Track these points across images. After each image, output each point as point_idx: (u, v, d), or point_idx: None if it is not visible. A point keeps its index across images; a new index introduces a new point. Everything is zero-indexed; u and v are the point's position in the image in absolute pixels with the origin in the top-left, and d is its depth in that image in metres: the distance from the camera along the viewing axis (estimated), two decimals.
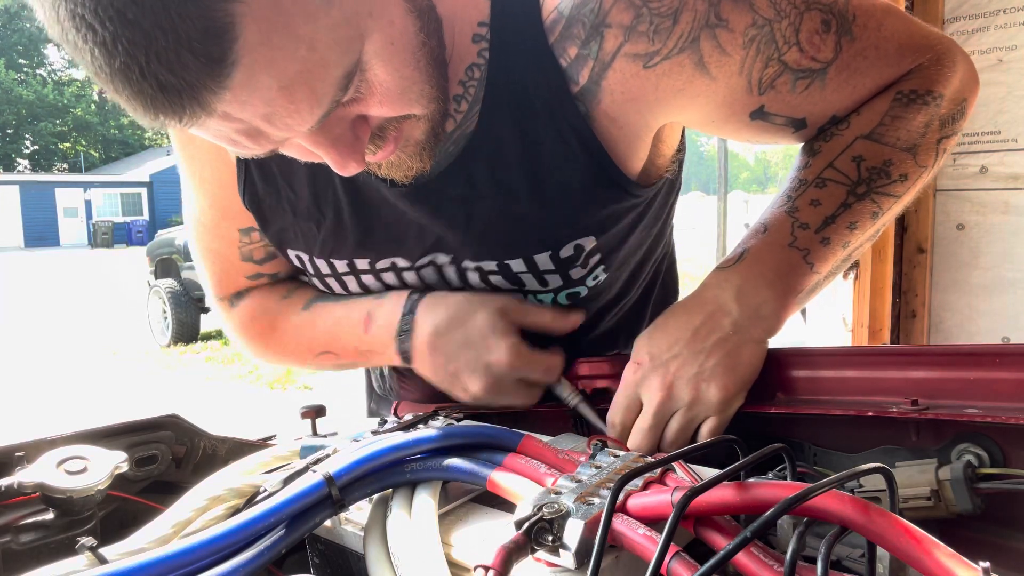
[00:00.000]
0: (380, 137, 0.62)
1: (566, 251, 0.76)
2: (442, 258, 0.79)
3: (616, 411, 0.69)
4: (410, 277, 0.81)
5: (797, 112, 0.72)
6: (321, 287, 0.88)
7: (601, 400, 0.76)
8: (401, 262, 0.80)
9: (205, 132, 0.54)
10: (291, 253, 0.86)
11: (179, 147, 0.87)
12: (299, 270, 0.90)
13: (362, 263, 0.82)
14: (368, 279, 0.83)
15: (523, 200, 0.73)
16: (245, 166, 0.82)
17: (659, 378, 0.66)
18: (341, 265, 0.83)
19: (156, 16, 0.45)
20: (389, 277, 0.82)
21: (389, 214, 0.78)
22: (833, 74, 0.70)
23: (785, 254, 0.69)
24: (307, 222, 0.82)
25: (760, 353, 0.68)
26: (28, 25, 46.23)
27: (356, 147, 0.60)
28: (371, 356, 0.85)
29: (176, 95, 0.48)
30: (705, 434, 0.65)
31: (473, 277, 0.79)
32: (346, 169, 0.60)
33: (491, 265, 0.77)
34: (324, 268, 0.84)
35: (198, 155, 0.86)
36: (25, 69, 47.64)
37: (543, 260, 0.76)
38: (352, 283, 0.84)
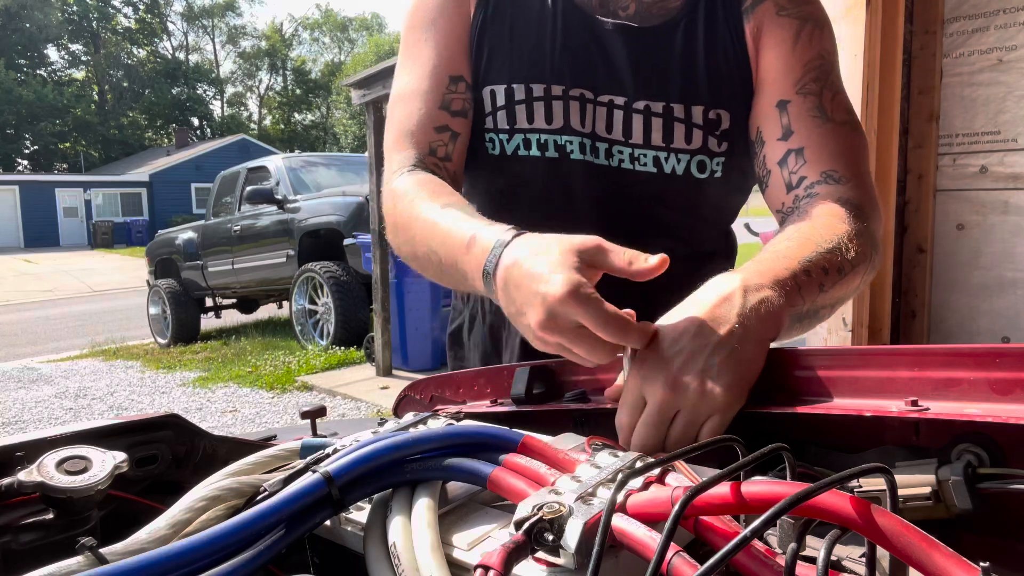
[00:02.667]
0: None
1: (712, 114, 0.99)
2: (619, 100, 1.00)
3: (621, 411, 0.68)
4: (589, 110, 1.01)
5: (794, 126, 0.95)
6: (504, 124, 1.03)
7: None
8: (588, 94, 1.01)
9: None
10: (487, 90, 1.03)
11: (415, 23, 1.07)
12: (479, 125, 1.05)
13: (557, 89, 1.00)
14: (557, 107, 1.01)
15: (699, 53, 1.00)
16: (484, 3, 1.04)
17: (663, 375, 0.65)
18: (538, 90, 1.01)
19: None
20: (574, 107, 1.00)
21: (595, 49, 1.01)
22: (829, 128, 0.94)
23: (778, 272, 0.73)
24: (521, 47, 1.02)
25: (763, 352, 0.68)
26: (28, 25, 46.25)
27: None
28: (466, 277, 0.82)
29: None
30: (706, 433, 0.65)
31: (637, 121, 1.00)
32: None
33: (658, 107, 0.99)
34: (519, 94, 1.02)
35: (441, 15, 1.05)
36: (25, 69, 47.62)
37: (697, 114, 0.99)
38: (540, 110, 1.01)
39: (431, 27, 1.05)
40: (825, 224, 0.83)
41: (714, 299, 0.69)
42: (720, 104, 0.99)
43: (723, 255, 1.15)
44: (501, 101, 1.02)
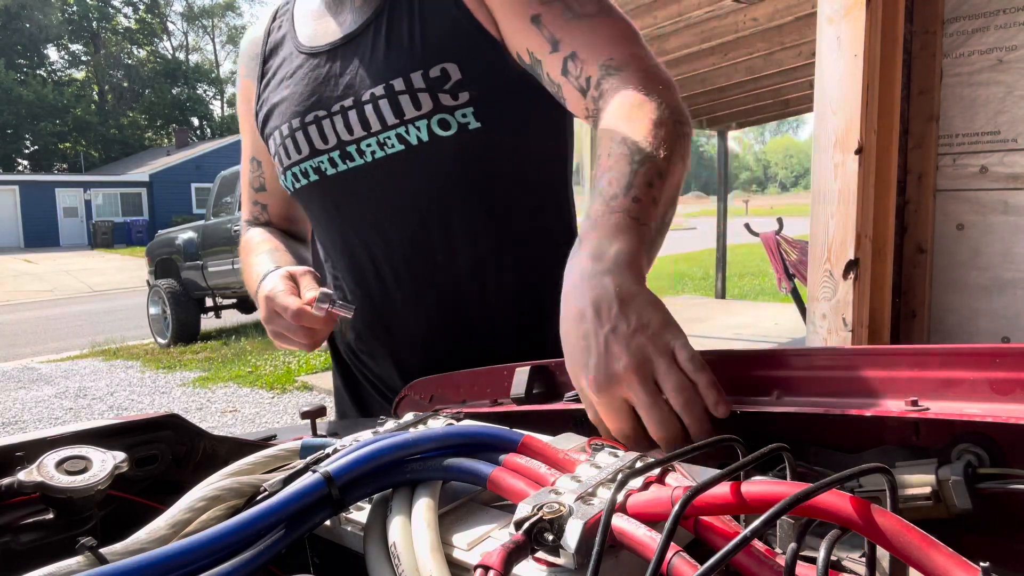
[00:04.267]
0: None
1: (434, 71, 1.01)
2: (348, 103, 1.07)
3: (613, 423, 0.66)
4: (327, 125, 1.09)
5: (557, 35, 0.96)
6: (279, 167, 1.18)
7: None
8: (320, 113, 1.09)
9: None
10: (270, 143, 1.19)
11: (239, 118, 1.31)
12: (272, 175, 1.29)
13: (296, 122, 1.12)
14: (300, 136, 1.12)
15: (404, 23, 1.04)
16: (261, 76, 1.22)
17: (623, 364, 0.64)
18: (285, 130, 1.14)
19: None
20: (313, 131, 1.10)
21: (318, 75, 1.11)
22: (586, 24, 0.96)
23: (612, 220, 0.74)
24: (275, 102, 1.16)
25: (644, 286, 0.69)
26: (28, 25, 46.24)
27: None
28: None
29: None
30: (684, 359, 0.64)
31: (369, 110, 1.05)
32: None
33: (380, 90, 1.03)
34: (277, 139, 1.16)
35: (241, 111, 1.29)
36: (25, 69, 47.62)
37: (417, 79, 1.02)
38: (290, 145, 1.14)
39: (242, 123, 1.30)
40: (628, 130, 0.83)
41: (577, 283, 0.70)
42: (441, 59, 1.01)
43: (558, 237, 1.15)
44: (272, 150, 1.19)
